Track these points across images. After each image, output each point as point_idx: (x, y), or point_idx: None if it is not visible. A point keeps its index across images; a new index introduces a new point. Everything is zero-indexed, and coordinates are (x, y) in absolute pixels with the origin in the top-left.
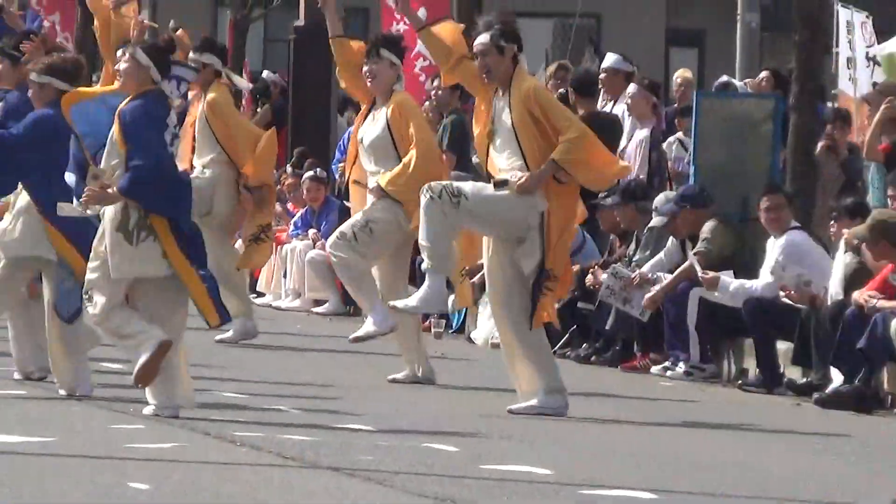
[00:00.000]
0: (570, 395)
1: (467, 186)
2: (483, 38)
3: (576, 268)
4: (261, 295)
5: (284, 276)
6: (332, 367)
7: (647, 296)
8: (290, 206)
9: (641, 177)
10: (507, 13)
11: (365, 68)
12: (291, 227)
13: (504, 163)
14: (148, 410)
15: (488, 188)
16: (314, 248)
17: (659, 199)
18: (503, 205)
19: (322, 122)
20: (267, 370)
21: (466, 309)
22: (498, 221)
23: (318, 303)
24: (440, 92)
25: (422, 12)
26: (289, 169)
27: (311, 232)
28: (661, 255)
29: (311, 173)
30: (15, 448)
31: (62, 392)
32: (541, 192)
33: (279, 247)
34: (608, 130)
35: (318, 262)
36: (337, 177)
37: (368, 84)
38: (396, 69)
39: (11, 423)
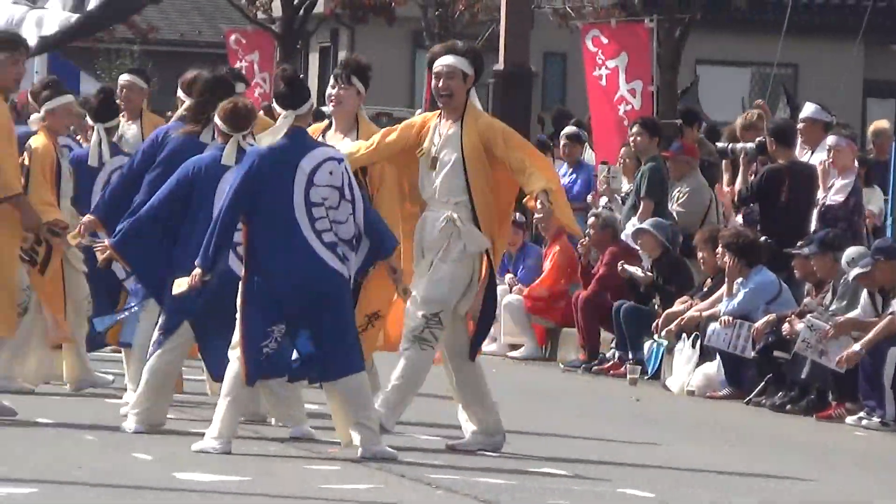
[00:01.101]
0: (767, 445)
1: (433, 296)
2: (449, 60)
3: (772, 316)
4: None
5: None
6: (527, 412)
7: (846, 352)
8: None
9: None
10: (472, 45)
11: (331, 91)
12: None
13: (445, 194)
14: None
15: (438, 272)
16: (510, 292)
17: (850, 252)
18: (459, 271)
19: None
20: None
21: (663, 354)
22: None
23: (513, 347)
24: (638, 139)
25: (622, 58)
26: None
27: (508, 277)
28: (858, 310)
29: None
30: (212, 487)
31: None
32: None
33: None
34: (807, 180)
35: (514, 306)
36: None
37: (331, 107)
38: (361, 98)
39: (209, 462)
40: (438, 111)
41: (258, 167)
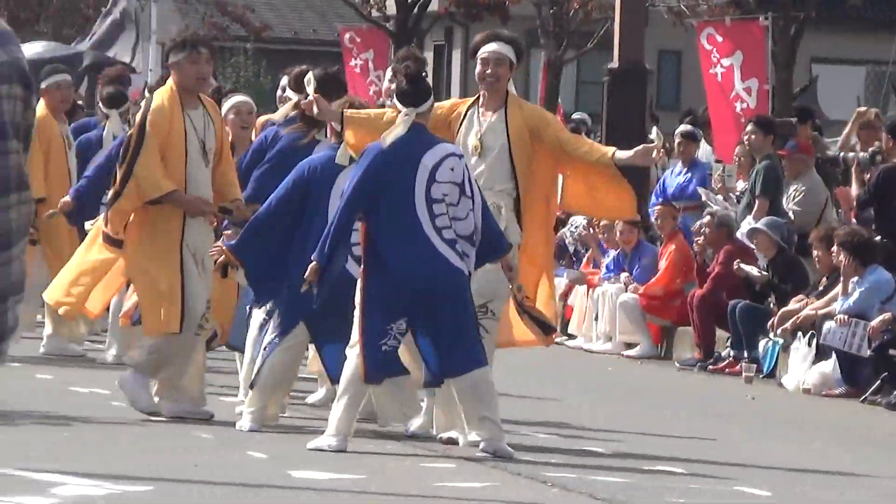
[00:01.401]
0: (883, 443)
1: (481, 288)
2: (496, 47)
3: (888, 315)
4: (572, 337)
5: (596, 318)
6: (643, 410)
7: None
8: (603, 246)
9: None
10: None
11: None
12: (604, 270)
13: (491, 181)
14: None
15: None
16: (626, 291)
17: None
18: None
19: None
20: (578, 413)
21: (778, 353)
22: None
23: (629, 346)
24: (753, 137)
25: (737, 56)
26: None
27: (624, 275)
28: None
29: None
30: (327, 485)
31: None
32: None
33: (591, 289)
34: None
35: (629, 305)
36: (652, 220)
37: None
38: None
39: (325, 460)
40: (471, 98)
41: (379, 164)
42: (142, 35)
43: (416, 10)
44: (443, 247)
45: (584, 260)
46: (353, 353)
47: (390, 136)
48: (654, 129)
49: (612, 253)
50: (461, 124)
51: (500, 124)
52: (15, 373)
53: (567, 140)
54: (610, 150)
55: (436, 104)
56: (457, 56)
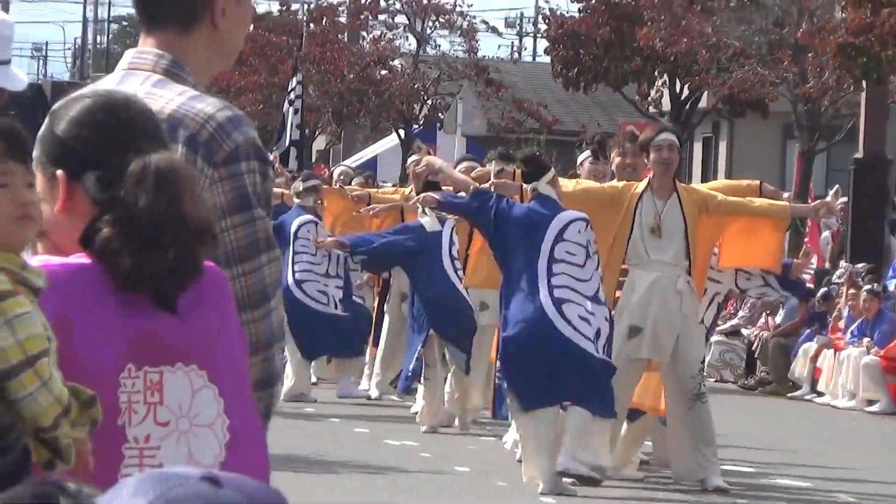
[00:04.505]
0: None
1: (697, 356)
2: (671, 136)
3: None
4: (820, 395)
5: (841, 378)
6: (884, 462)
7: None
8: (845, 312)
9: None
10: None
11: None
12: (848, 336)
13: (668, 257)
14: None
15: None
16: (868, 354)
17: None
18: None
19: (878, 241)
20: (826, 460)
21: None
22: None
23: (870, 402)
24: None
25: None
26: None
27: (866, 340)
28: None
29: (868, 287)
30: None
31: None
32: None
33: (837, 352)
34: None
35: (871, 366)
36: (890, 290)
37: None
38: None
39: None
40: (640, 182)
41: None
42: (447, 128)
43: (687, 106)
44: (551, 309)
45: (830, 327)
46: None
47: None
48: (836, 187)
49: (856, 320)
50: (637, 204)
51: (675, 207)
52: (336, 427)
53: (737, 203)
54: (785, 203)
55: (607, 185)
56: (723, 146)
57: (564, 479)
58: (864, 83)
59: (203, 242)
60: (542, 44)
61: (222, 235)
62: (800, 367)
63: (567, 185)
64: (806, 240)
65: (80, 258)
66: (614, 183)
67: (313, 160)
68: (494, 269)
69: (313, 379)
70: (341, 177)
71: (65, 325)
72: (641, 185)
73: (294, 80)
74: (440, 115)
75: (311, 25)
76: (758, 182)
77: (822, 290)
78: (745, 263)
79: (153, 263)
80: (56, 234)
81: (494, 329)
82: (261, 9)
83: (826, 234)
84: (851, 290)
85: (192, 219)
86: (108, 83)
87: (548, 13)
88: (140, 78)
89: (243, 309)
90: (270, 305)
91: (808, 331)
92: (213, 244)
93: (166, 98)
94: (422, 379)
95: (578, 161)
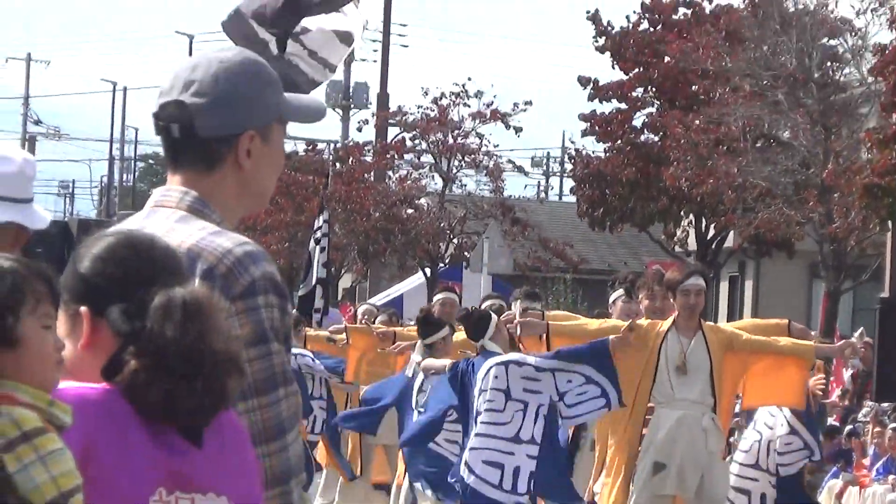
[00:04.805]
0: None
1: (724, 493)
2: (698, 280)
3: None
4: None
5: None
6: None
7: None
8: (871, 450)
9: None
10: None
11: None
12: (874, 473)
13: (694, 395)
14: None
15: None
16: (893, 491)
17: None
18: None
19: None
20: None
21: None
22: None
23: None
24: None
25: None
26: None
27: (892, 477)
28: None
29: (894, 425)
30: None
31: None
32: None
33: (862, 489)
34: None
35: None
36: None
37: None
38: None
39: None
40: (667, 320)
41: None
42: (473, 266)
43: (713, 245)
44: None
45: (854, 463)
46: None
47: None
48: (861, 329)
49: (881, 457)
50: (662, 343)
51: (700, 346)
52: None
53: (762, 342)
54: (810, 343)
55: (636, 322)
56: (749, 285)
57: None
58: (889, 223)
59: (230, 374)
60: (569, 183)
61: None
62: None
63: (592, 323)
64: (832, 378)
65: (100, 386)
66: (640, 321)
67: (339, 298)
68: None
69: None
70: (366, 315)
71: (90, 456)
72: (667, 324)
73: (321, 218)
74: (466, 253)
75: (338, 164)
76: (786, 321)
77: (848, 427)
78: (770, 402)
79: (185, 397)
80: (78, 372)
81: None
82: (287, 148)
83: (848, 373)
84: (877, 429)
85: (219, 351)
86: (135, 220)
87: (573, 153)
88: (165, 214)
89: (260, 442)
90: (287, 439)
91: (834, 468)
92: (241, 376)
93: (186, 233)
94: None
95: (611, 300)
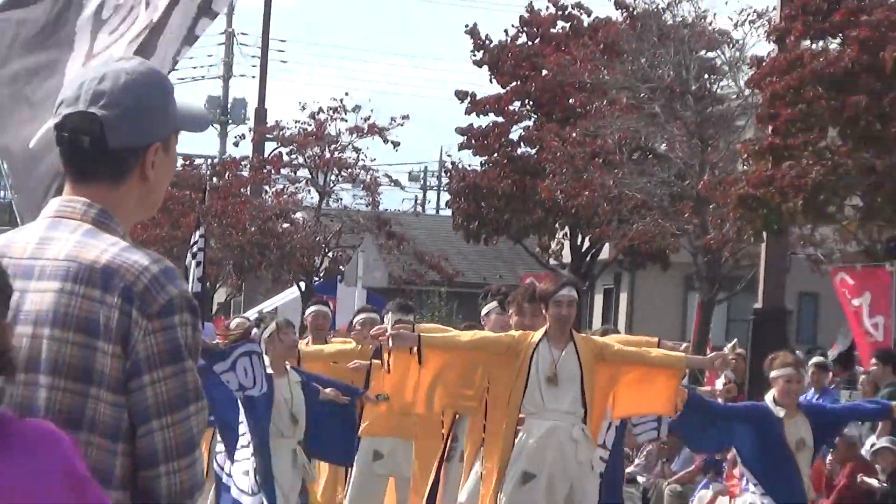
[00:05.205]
0: None
1: None
2: (570, 292)
3: None
4: None
5: None
6: None
7: None
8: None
9: None
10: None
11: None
12: (744, 482)
13: (564, 406)
14: None
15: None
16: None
17: None
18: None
19: None
20: None
21: None
22: None
23: None
24: (874, 368)
25: (866, 297)
26: None
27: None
28: None
29: None
30: None
31: None
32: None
33: (732, 499)
34: None
35: None
36: None
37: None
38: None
39: None
40: (536, 332)
41: None
42: (347, 280)
43: (588, 257)
44: None
45: (725, 474)
46: None
47: None
48: (734, 341)
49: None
50: (533, 354)
51: (572, 357)
52: None
53: (634, 353)
54: (681, 354)
55: (504, 333)
56: (623, 297)
57: None
58: (763, 234)
59: None
60: (445, 197)
61: (153, 387)
62: None
63: (464, 335)
64: (708, 388)
65: None
66: (511, 332)
67: (213, 312)
68: (389, 416)
69: None
70: (237, 329)
71: None
72: (538, 335)
73: (197, 233)
74: (342, 267)
75: (215, 179)
76: (656, 339)
77: None
78: (640, 411)
79: None
80: None
81: (388, 479)
82: None
83: (720, 381)
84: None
85: None
86: (33, 230)
87: (450, 166)
88: (69, 227)
89: (170, 459)
90: (195, 455)
91: (704, 479)
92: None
93: (100, 248)
94: None
95: (483, 312)
